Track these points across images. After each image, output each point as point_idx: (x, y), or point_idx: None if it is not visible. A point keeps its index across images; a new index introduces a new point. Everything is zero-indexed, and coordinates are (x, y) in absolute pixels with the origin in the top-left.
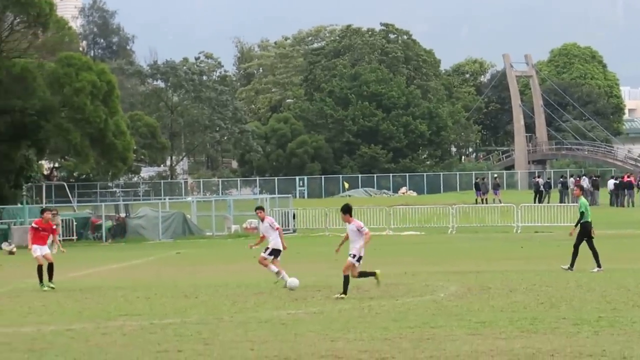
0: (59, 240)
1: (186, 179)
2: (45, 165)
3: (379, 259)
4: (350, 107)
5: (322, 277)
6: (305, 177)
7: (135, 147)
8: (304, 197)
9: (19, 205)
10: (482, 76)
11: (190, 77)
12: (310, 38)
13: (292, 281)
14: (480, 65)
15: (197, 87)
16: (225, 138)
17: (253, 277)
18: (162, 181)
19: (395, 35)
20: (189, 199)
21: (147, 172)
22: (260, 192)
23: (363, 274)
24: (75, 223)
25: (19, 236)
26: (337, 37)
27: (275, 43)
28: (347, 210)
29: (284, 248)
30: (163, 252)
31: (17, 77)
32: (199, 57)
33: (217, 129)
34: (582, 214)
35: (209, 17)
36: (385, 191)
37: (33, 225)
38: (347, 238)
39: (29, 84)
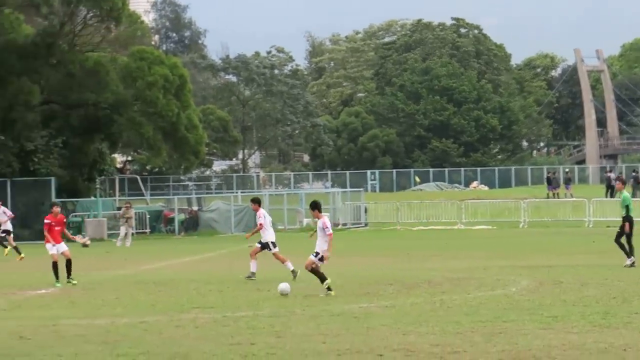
0: (82, 235)
1: (258, 172)
2: (118, 158)
3: (450, 253)
4: (421, 101)
5: (394, 270)
6: (377, 171)
7: (207, 141)
8: (375, 191)
9: (93, 198)
10: (554, 70)
11: (261, 71)
12: (381, 32)
13: (283, 286)
14: (552, 60)
15: (268, 81)
16: (297, 132)
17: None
18: (234, 175)
19: (466, 30)
20: (262, 192)
21: (219, 165)
22: (332, 186)
23: (315, 272)
24: (148, 216)
25: (93, 229)
26: (408, 32)
27: (347, 37)
28: (315, 206)
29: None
30: (235, 245)
31: (90, 71)
32: (270, 51)
33: (289, 122)
34: (627, 207)
35: (281, 12)
36: (457, 185)
37: (46, 221)
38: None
39: (102, 78)
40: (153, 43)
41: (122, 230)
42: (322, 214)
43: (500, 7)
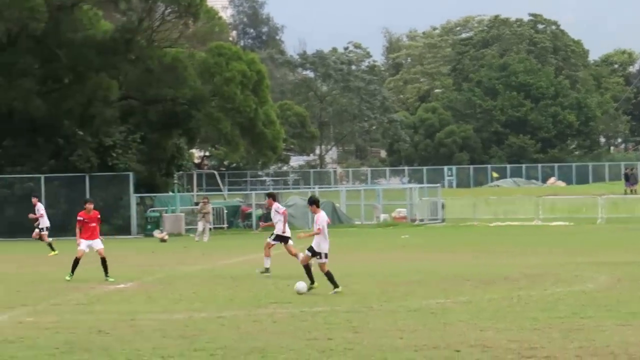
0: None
1: (335, 168)
2: (196, 153)
3: (527, 249)
4: (498, 97)
5: (471, 266)
6: (454, 167)
7: (284, 137)
8: (452, 187)
9: (170, 193)
10: (631, 67)
11: (339, 67)
12: (458, 28)
13: (300, 285)
14: (629, 56)
15: (345, 76)
16: (374, 127)
17: (402, 266)
18: (311, 170)
19: (544, 26)
20: (339, 187)
21: (296, 161)
22: (409, 182)
23: (308, 271)
24: (225, 211)
25: (171, 224)
26: (485, 28)
27: (424, 33)
28: (313, 201)
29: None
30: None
31: (168, 67)
32: (347, 47)
33: (366, 118)
34: None
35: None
36: (534, 181)
37: (78, 218)
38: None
39: (180, 74)
40: (231, 39)
41: (200, 225)
42: (320, 209)
43: (578, 3)
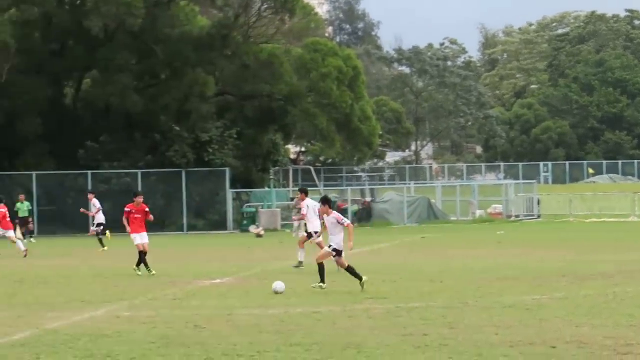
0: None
1: (431, 164)
2: (292, 149)
3: (624, 245)
4: (594, 93)
5: (567, 263)
6: (550, 163)
7: (380, 132)
8: (548, 183)
9: (266, 189)
10: None
11: (435, 63)
12: (554, 24)
13: (277, 285)
14: None
15: (441, 72)
16: (470, 123)
17: (497, 262)
18: (407, 166)
19: None
20: (435, 183)
21: (392, 157)
22: (505, 178)
23: (351, 271)
24: None
25: (267, 219)
26: (582, 24)
27: (520, 29)
28: (326, 201)
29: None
30: (408, 236)
31: (264, 63)
32: (443, 43)
33: (462, 114)
34: None
35: (454, 3)
36: (630, 177)
37: (126, 209)
38: (325, 229)
39: (276, 70)
40: (327, 35)
41: (295, 221)
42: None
43: None
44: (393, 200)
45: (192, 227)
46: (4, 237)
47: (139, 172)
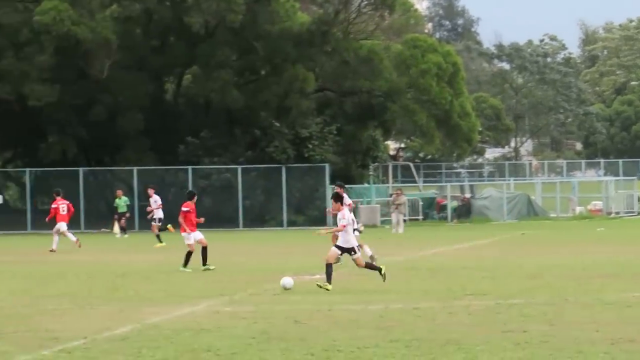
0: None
1: (530, 160)
2: (391, 145)
3: None
4: None
5: None
6: None
7: (480, 129)
8: None
9: (366, 185)
10: None
11: (534, 59)
12: None
13: (286, 280)
14: None
15: (541, 69)
16: (569, 120)
17: (597, 259)
18: (506, 162)
19: None
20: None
21: (491, 153)
22: (605, 174)
23: (369, 266)
24: (421, 203)
25: (366, 215)
26: None
27: (620, 25)
28: (337, 198)
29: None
30: (507, 232)
31: (364, 59)
32: (543, 40)
33: (561, 110)
34: None
35: (553, 0)
36: None
37: (184, 208)
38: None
39: (376, 66)
40: (426, 31)
41: (394, 217)
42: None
43: None
44: (492, 197)
45: (291, 223)
46: (63, 234)
47: (239, 167)
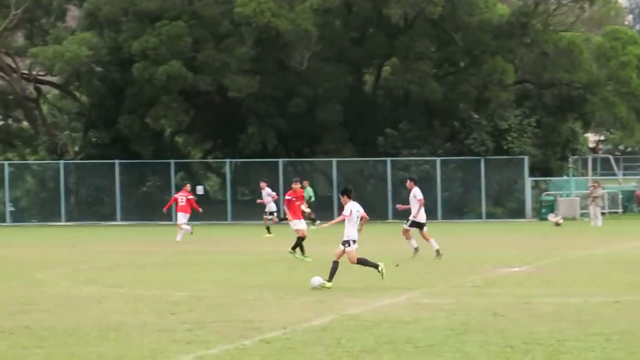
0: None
1: None
2: (591, 138)
3: None
4: None
5: None
6: None
7: None
8: None
9: (565, 177)
10: None
11: None
12: None
13: (314, 280)
14: None
15: None
16: None
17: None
18: None
19: None
20: None
21: None
22: None
23: (363, 262)
24: (620, 196)
25: (565, 208)
26: None
27: None
28: (344, 192)
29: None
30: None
31: (563, 51)
32: None
33: None
34: None
35: None
36: None
37: (286, 197)
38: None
39: (576, 58)
40: (626, 23)
41: (591, 209)
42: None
43: None
44: None
45: (490, 215)
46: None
47: (438, 159)
